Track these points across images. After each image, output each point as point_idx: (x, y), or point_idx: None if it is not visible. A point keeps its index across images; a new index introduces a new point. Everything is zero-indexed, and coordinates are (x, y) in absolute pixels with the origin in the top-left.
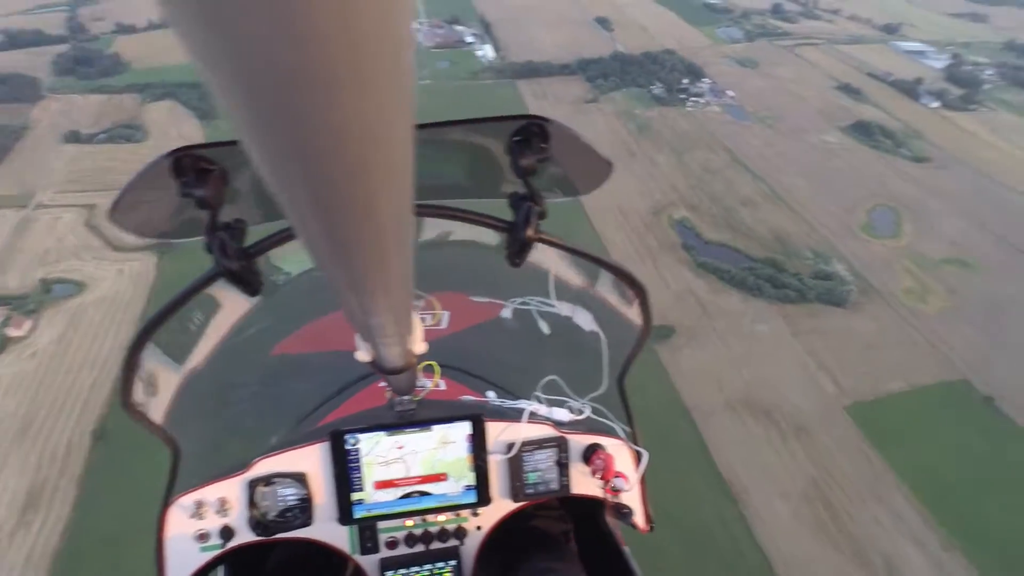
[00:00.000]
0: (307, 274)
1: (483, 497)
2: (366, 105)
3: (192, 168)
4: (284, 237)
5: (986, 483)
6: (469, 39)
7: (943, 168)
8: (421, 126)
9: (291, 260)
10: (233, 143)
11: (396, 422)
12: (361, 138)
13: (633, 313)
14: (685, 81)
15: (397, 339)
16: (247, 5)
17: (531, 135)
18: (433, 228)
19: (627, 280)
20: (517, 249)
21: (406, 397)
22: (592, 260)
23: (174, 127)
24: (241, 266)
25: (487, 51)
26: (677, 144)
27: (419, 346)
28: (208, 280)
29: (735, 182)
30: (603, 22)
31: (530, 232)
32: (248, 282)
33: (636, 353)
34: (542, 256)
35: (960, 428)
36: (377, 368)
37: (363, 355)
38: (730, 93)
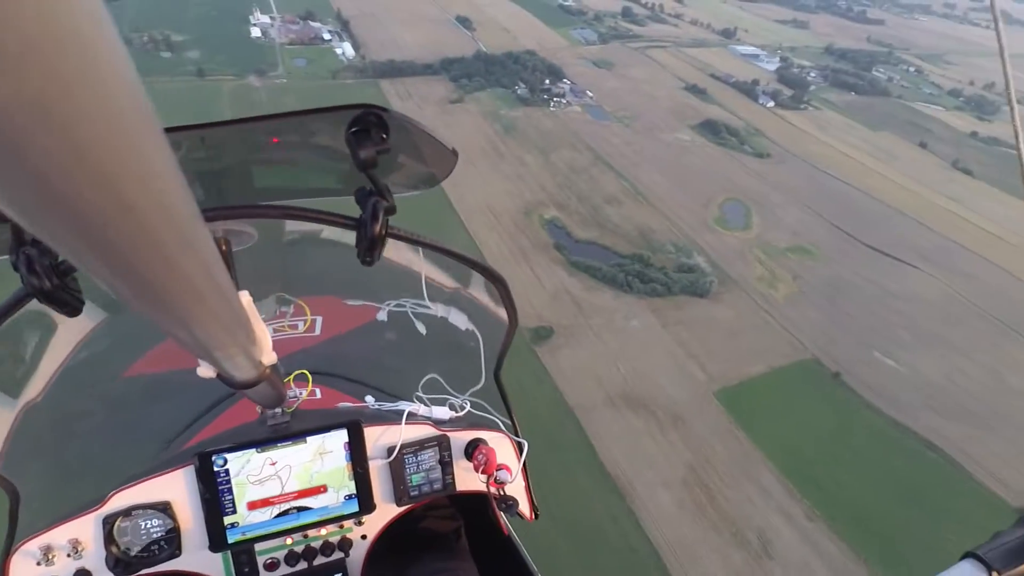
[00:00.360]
0: None
1: (365, 505)
2: (88, 117)
3: None
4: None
5: (839, 455)
6: (326, 36)
7: (781, 163)
8: (245, 120)
9: None
10: None
11: (267, 437)
12: (98, 152)
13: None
14: (547, 82)
15: (237, 349)
16: None
17: (369, 126)
18: (300, 226)
19: (486, 274)
20: (367, 247)
21: (278, 410)
22: (449, 255)
23: None
24: (54, 285)
25: (346, 49)
26: (543, 144)
27: (267, 355)
28: (15, 304)
29: (600, 180)
30: (464, 21)
31: (378, 228)
32: (64, 302)
33: (507, 345)
34: (414, 257)
35: (814, 404)
36: (227, 382)
37: (205, 370)
38: (589, 94)
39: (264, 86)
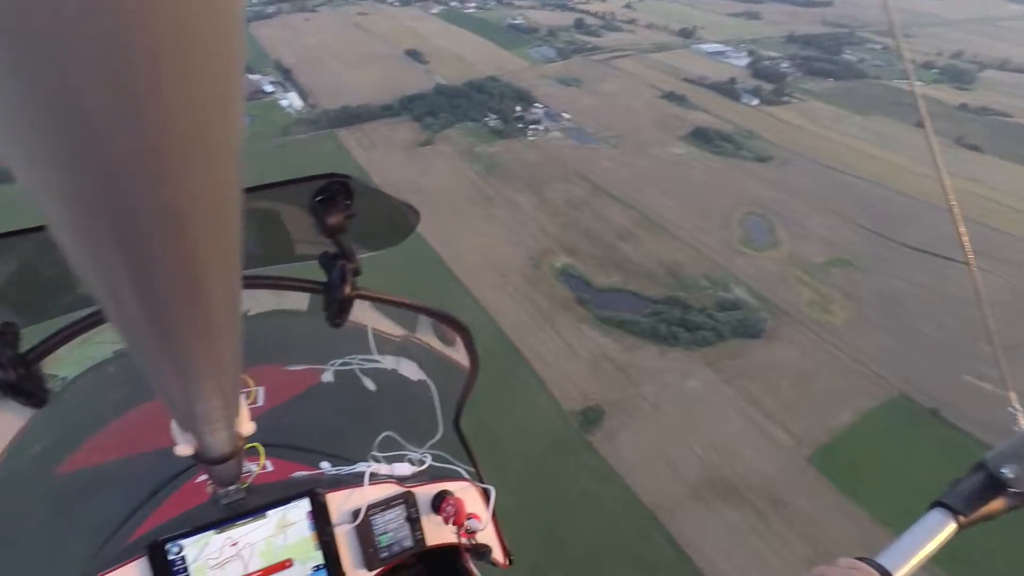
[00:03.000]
0: (90, 374)
1: (335, 574)
2: (195, 171)
3: None
4: (68, 335)
5: None
6: (268, 88)
7: (785, 164)
8: None
9: (67, 362)
10: None
11: (224, 516)
12: (190, 207)
13: (459, 353)
14: (518, 108)
15: (224, 423)
16: (64, 57)
17: (335, 193)
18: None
19: (449, 323)
20: (337, 310)
21: (231, 487)
22: (414, 309)
23: None
24: (19, 375)
25: (293, 100)
26: (532, 180)
27: (246, 427)
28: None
29: (605, 213)
30: (414, 55)
31: (347, 290)
32: (30, 393)
33: (467, 393)
34: (358, 311)
35: (922, 452)
36: (200, 460)
37: (183, 448)
38: (566, 116)
39: None
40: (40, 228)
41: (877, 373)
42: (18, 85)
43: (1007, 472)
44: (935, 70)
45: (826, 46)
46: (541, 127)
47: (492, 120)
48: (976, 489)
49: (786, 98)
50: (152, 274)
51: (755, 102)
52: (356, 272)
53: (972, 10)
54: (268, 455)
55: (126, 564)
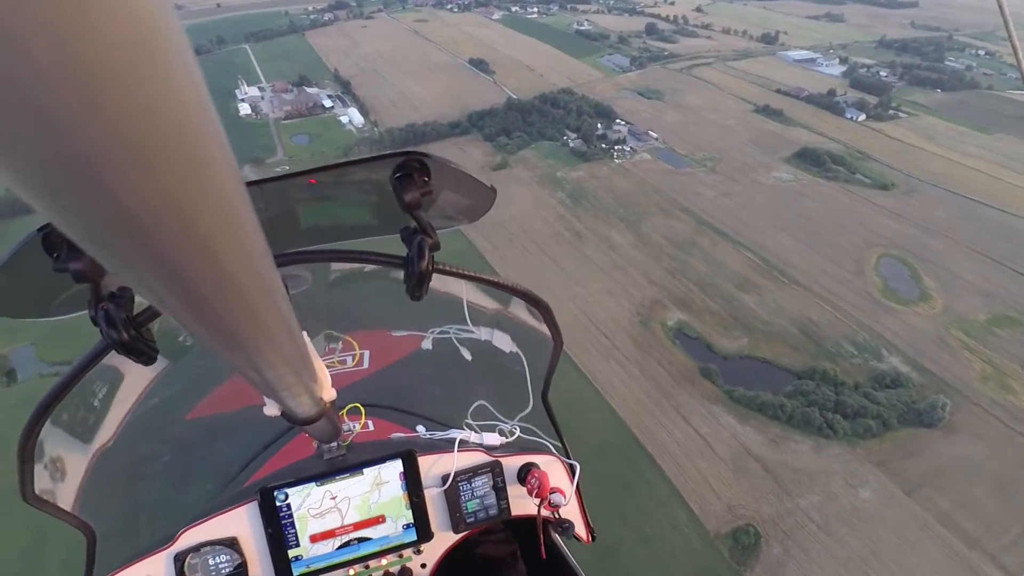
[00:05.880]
0: None
1: (423, 534)
2: (180, 175)
3: (64, 242)
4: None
5: None
6: (327, 102)
7: (912, 193)
8: (301, 173)
9: None
10: None
11: (325, 471)
12: (188, 207)
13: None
14: (599, 126)
15: (301, 388)
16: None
17: (412, 170)
18: (344, 264)
19: (528, 299)
20: (415, 282)
21: (333, 444)
22: (491, 284)
23: None
24: (131, 336)
25: (353, 116)
26: (625, 212)
27: (327, 392)
28: (97, 355)
29: (715, 255)
30: (479, 65)
31: (424, 264)
32: (140, 351)
33: (553, 367)
34: (455, 284)
35: None
36: (290, 419)
37: (271, 409)
38: (653, 134)
39: (263, 177)
40: None
41: None
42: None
43: None
44: None
45: (925, 52)
46: (627, 148)
47: (572, 139)
48: None
49: (893, 112)
50: (167, 267)
51: (861, 117)
52: (435, 247)
53: None
54: (370, 415)
55: (240, 505)
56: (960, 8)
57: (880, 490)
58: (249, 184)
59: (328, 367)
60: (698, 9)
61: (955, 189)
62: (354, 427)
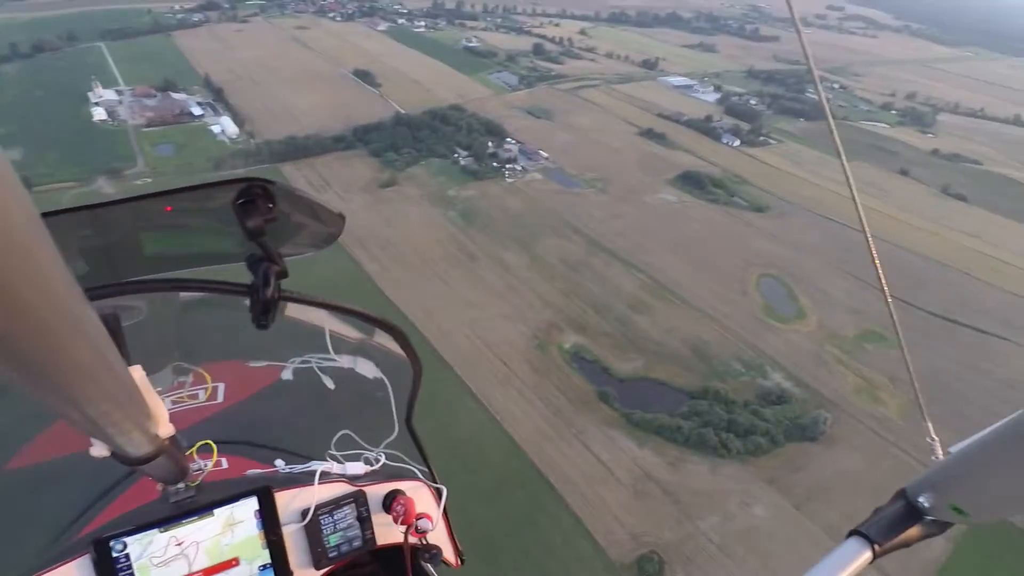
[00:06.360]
0: None
1: (282, 573)
2: None
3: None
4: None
5: None
6: (196, 110)
7: (784, 216)
8: (131, 199)
9: None
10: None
11: (169, 514)
12: None
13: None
14: (490, 144)
15: (131, 424)
16: None
17: (255, 196)
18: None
19: (381, 325)
20: (261, 311)
21: (180, 485)
22: (343, 311)
23: None
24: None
25: (226, 125)
26: (519, 232)
27: (164, 427)
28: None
29: (608, 276)
30: (364, 76)
31: (270, 292)
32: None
33: (415, 392)
34: (317, 312)
35: None
36: (121, 460)
37: (99, 450)
38: (544, 154)
39: (121, 191)
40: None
41: None
42: None
43: (923, 501)
44: (894, 111)
45: (788, 83)
46: (519, 167)
47: (463, 157)
48: (893, 518)
49: (764, 138)
50: None
51: (736, 143)
52: (282, 274)
53: (907, 51)
54: (224, 452)
55: (71, 560)
56: (816, 44)
57: (772, 506)
58: (56, 213)
59: (176, 402)
60: (582, 32)
61: (821, 212)
62: (205, 465)
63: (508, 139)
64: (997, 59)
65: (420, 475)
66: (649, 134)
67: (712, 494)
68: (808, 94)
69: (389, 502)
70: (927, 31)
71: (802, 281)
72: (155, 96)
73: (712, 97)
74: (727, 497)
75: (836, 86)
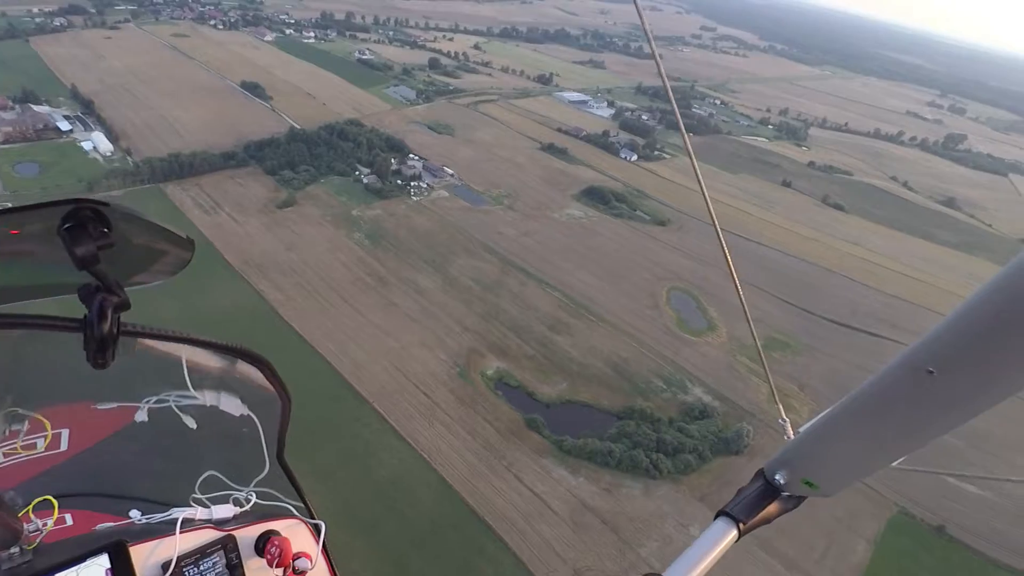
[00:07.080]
0: None
1: None
2: None
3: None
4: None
5: None
6: (63, 125)
7: (684, 228)
8: None
9: None
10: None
11: None
12: None
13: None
14: (394, 161)
15: None
16: None
17: (86, 220)
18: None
19: (245, 356)
20: (96, 348)
21: (15, 550)
22: (198, 345)
23: None
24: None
25: (99, 142)
26: (430, 253)
27: None
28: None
29: (525, 296)
30: (253, 89)
31: (106, 326)
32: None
33: (285, 425)
34: (174, 345)
35: None
36: None
37: None
38: (448, 171)
39: None
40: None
41: (865, 484)
42: None
43: (779, 479)
44: (771, 126)
45: (675, 99)
46: (424, 184)
47: (365, 175)
48: (754, 497)
49: (658, 153)
50: None
51: (634, 157)
52: (121, 306)
53: (774, 69)
54: (67, 507)
55: None
56: (697, 63)
57: (707, 525)
58: None
59: (8, 454)
60: (476, 47)
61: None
62: (44, 525)
63: (411, 155)
64: (851, 78)
65: (296, 512)
66: (551, 149)
67: (649, 519)
68: (695, 109)
69: (263, 544)
70: (789, 51)
71: (707, 293)
72: (13, 109)
73: (607, 112)
74: (664, 520)
75: (718, 102)
